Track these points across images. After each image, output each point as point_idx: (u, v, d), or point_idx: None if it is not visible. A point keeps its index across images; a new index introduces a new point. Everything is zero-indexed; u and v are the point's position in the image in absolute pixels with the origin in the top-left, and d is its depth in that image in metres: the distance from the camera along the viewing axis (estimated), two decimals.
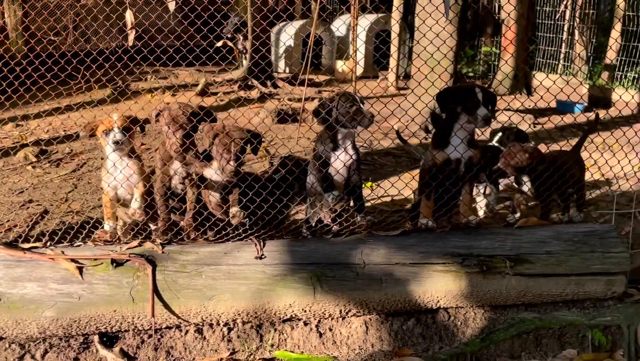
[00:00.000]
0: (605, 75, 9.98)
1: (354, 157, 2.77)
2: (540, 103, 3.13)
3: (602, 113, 7.75)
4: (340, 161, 2.71)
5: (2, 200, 4.30)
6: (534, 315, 2.60)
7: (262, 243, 2.63)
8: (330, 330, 2.63)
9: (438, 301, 2.58)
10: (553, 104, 7.96)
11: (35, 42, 3.30)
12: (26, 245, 2.64)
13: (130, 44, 2.53)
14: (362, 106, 2.67)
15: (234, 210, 2.71)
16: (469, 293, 2.56)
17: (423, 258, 2.57)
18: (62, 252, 2.57)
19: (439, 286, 2.55)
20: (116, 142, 2.75)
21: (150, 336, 2.57)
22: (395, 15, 9.75)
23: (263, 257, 2.58)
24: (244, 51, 9.84)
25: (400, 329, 2.61)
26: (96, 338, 2.55)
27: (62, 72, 2.90)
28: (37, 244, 2.65)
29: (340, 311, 2.58)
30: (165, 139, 2.74)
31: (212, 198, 2.83)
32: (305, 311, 2.56)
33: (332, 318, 2.63)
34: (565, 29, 10.94)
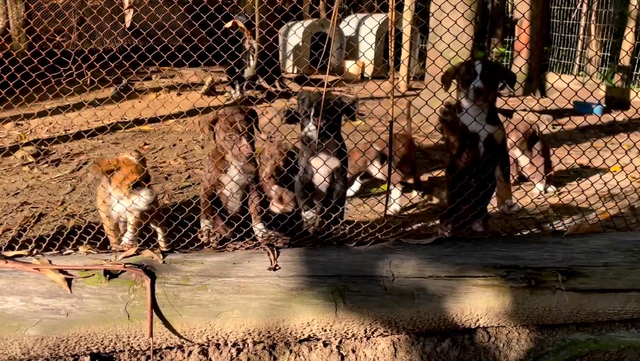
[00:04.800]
0: (618, 76, 9.65)
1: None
2: (557, 104, 2.80)
3: (619, 115, 7.42)
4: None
5: None
6: (587, 336, 2.27)
7: (275, 252, 2.32)
8: (354, 351, 2.30)
9: (477, 320, 2.25)
10: (569, 105, 7.65)
11: (37, 40, 3.00)
12: (9, 253, 2.33)
13: (128, 25, 2.23)
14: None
15: (259, 226, 2.42)
16: (513, 310, 2.23)
17: (460, 270, 2.24)
18: (49, 262, 2.26)
19: (479, 303, 2.22)
20: (149, 203, 2.48)
21: (148, 357, 2.26)
22: (407, 15, 9.45)
23: (277, 267, 2.26)
24: (252, 50, 9.56)
25: (433, 351, 2.28)
26: (87, 359, 2.23)
27: (65, 71, 2.62)
28: (22, 252, 2.35)
29: (365, 330, 2.26)
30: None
31: (229, 207, 2.55)
32: (325, 330, 2.24)
33: (355, 339, 2.31)
34: (581, 28, 10.61)
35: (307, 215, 2.50)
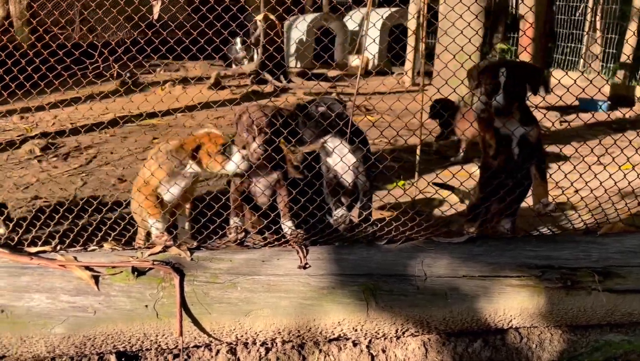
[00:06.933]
0: (621, 73, 9.62)
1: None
2: (562, 102, 2.72)
3: (625, 112, 7.37)
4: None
5: (7, 197, 3.96)
6: (621, 337, 2.24)
7: (305, 250, 2.28)
8: (384, 351, 2.27)
9: (511, 320, 2.22)
10: (574, 102, 7.60)
11: (41, 33, 2.93)
12: (33, 249, 2.29)
13: (156, 17, 2.18)
14: None
15: (288, 224, 2.37)
16: (547, 311, 2.20)
17: (494, 270, 2.21)
18: (75, 258, 2.22)
19: (514, 304, 2.19)
20: (241, 165, 2.42)
21: (175, 356, 2.22)
22: (413, 9, 9.39)
23: (307, 266, 2.22)
24: (257, 44, 9.49)
25: (465, 352, 2.25)
26: (113, 358, 2.19)
27: (71, 63, 2.57)
28: (46, 248, 2.30)
29: (396, 330, 2.22)
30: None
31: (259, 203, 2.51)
32: (355, 330, 2.20)
33: (385, 338, 2.27)
34: (586, 25, 10.58)
35: (338, 213, 2.46)
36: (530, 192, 2.58)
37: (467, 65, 2.74)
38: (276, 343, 2.24)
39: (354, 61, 10.88)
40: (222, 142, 2.39)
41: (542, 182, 2.46)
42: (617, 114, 7.45)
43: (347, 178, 2.53)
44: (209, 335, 2.17)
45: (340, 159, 2.42)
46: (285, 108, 2.44)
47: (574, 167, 2.40)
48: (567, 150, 3.39)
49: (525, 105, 2.48)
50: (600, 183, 2.48)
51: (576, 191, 2.33)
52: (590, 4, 10.37)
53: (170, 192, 2.46)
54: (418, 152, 2.55)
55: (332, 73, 9.55)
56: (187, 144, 2.43)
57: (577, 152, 2.44)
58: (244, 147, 2.41)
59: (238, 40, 9.89)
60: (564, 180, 2.47)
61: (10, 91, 2.57)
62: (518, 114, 2.43)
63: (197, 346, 2.23)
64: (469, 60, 3.00)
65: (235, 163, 2.39)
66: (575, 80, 2.46)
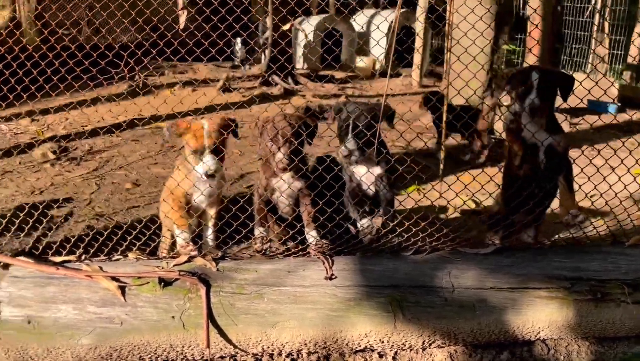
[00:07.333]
0: (628, 74, 9.57)
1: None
2: (571, 103, 2.68)
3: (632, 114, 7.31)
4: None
5: (21, 201, 3.95)
6: None
7: (330, 261, 2.27)
8: None
9: (539, 332, 2.20)
10: (582, 103, 7.55)
11: (49, 34, 2.92)
12: (57, 259, 2.28)
13: (182, 26, 2.17)
14: None
15: (313, 233, 2.35)
16: (576, 323, 2.18)
17: (522, 281, 2.19)
18: (100, 268, 2.21)
19: (542, 316, 2.17)
20: (209, 175, 2.30)
21: None
22: (420, 10, 9.36)
23: (333, 277, 2.21)
24: (265, 46, 9.48)
25: None
26: None
27: (79, 66, 2.55)
28: (70, 258, 2.30)
29: (423, 342, 2.21)
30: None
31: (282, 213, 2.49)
32: (382, 342, 2.19)
33: (411, 350, 2.26)
34: (595, 26, 10.53)
35: (363, 223, 2.44)
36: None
37: (480, 61, 2.74)
38: (302, 355, 2.23)
39: (361, 62, 10.86)
40: (199, 143, 2.27)
41: (570, 193, 2.44)
42: (625, 116, 7.40)
43: (372, 188, 2.52)
44: (235, 346, 2.16)
45: (368, 170, 2.40)
46: (311, 116, 2.43)
47: (604, 178, 2.38)
48: (587, 154, 3.36)
49: (553, 114, 2.47)
50: (630, 194, 2.46)
51: (606, 202, 2.30)
52: (598, 6, 10.32)
53: (197, 201, 2.44)
54: (442, 158, 2.52)
55: (339, 75, 9.55)
56: (180, 125, 2.37)
57: (607, 162, 2.42)
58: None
59: (239, 40, 9.88)
60: (592, 190, 2.44)
61: (23, 92, 2.56)
62: (545, 122, 2.42)
63: (223, 358, 2.22)
64: (481, 60, 2.99)
65: (201, 169, 2.32)
66: (597, 82, 2.45)
